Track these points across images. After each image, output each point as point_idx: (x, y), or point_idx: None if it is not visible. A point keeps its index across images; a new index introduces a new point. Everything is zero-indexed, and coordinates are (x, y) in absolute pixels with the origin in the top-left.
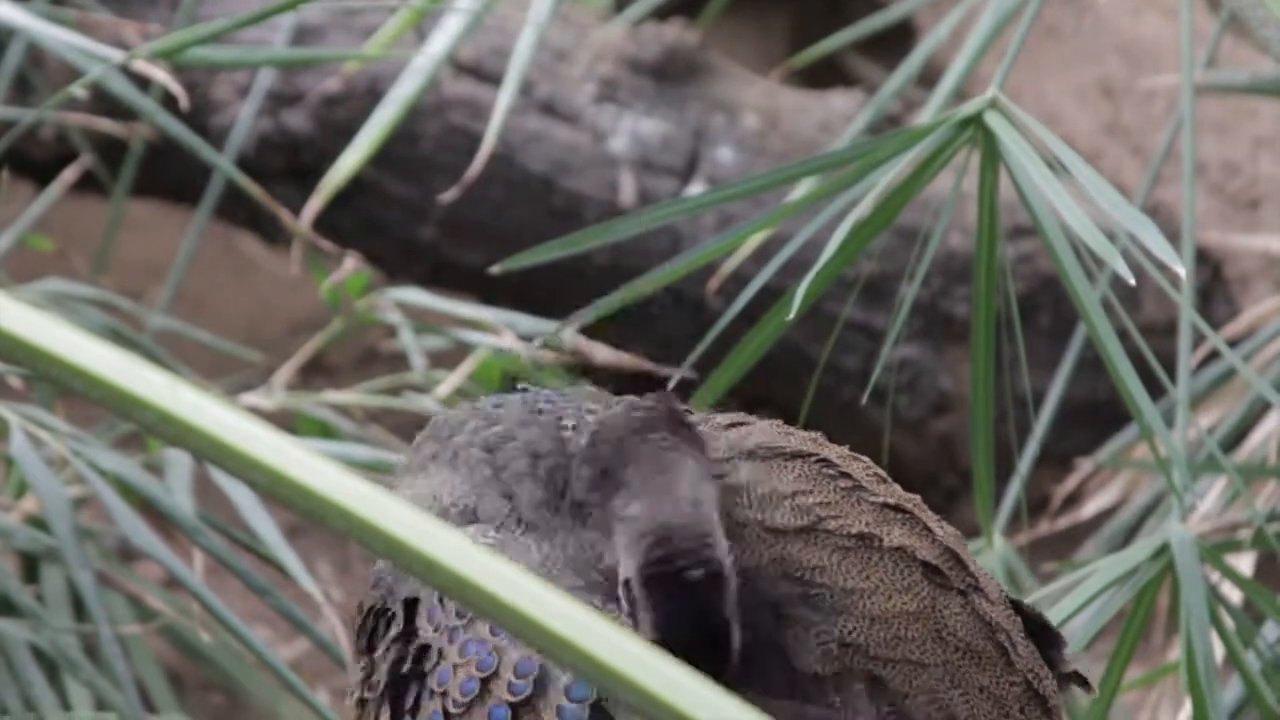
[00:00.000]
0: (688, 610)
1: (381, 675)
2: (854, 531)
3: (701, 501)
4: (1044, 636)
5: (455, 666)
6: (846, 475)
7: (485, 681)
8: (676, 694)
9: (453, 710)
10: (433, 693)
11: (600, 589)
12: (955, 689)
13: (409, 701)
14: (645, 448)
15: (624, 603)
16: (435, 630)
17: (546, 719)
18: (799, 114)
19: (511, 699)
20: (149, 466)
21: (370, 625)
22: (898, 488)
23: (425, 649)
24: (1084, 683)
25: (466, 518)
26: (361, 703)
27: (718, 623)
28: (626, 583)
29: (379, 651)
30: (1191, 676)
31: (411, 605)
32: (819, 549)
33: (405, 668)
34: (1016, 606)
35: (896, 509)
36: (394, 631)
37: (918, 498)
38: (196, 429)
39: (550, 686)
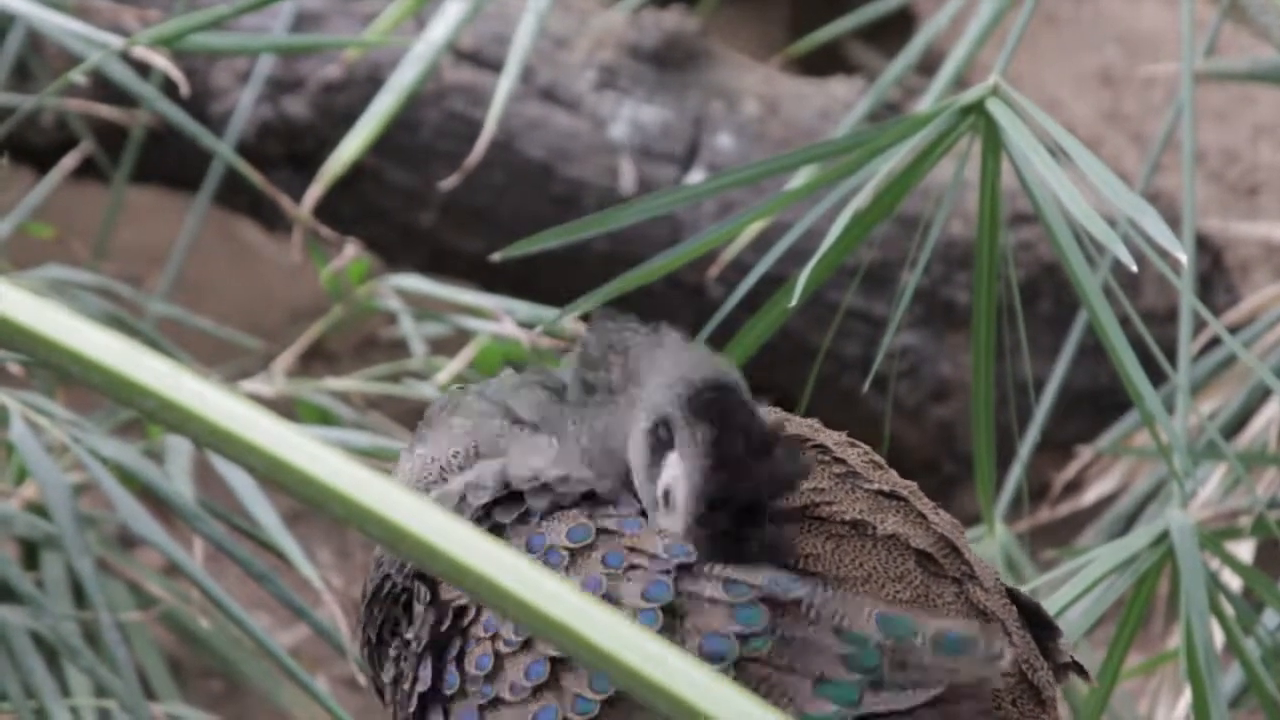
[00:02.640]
0: (733, 428)
1: (423, 635)
2: (847, 519)
3: (713, 355)
4: (1041, 626)
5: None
6: (841, 461)
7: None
8: (690, 688)
9: (505, 650)
10: (479, 639)
11: (611, 478)
12: None
13: (453, 653)
14: (643, 341)
15: (650, 450)
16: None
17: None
18: (799, 101)
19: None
20: (149, 453)
21: (382, 613)
22: (894, 474)
23: (463, 608)
24: (1082, 672)
25: (469, 459)
26: (395, 681)
27: (759, 437)
28: (663, 423)
29: (413, 626)
30: (1191, 664)
31: (432, 580)
32: (812, 536)
33: (444, 626)
34: (1013, 596)
35: (891, 496)
36: (422, 603)
37: (914, 484)
38: (197, 415)
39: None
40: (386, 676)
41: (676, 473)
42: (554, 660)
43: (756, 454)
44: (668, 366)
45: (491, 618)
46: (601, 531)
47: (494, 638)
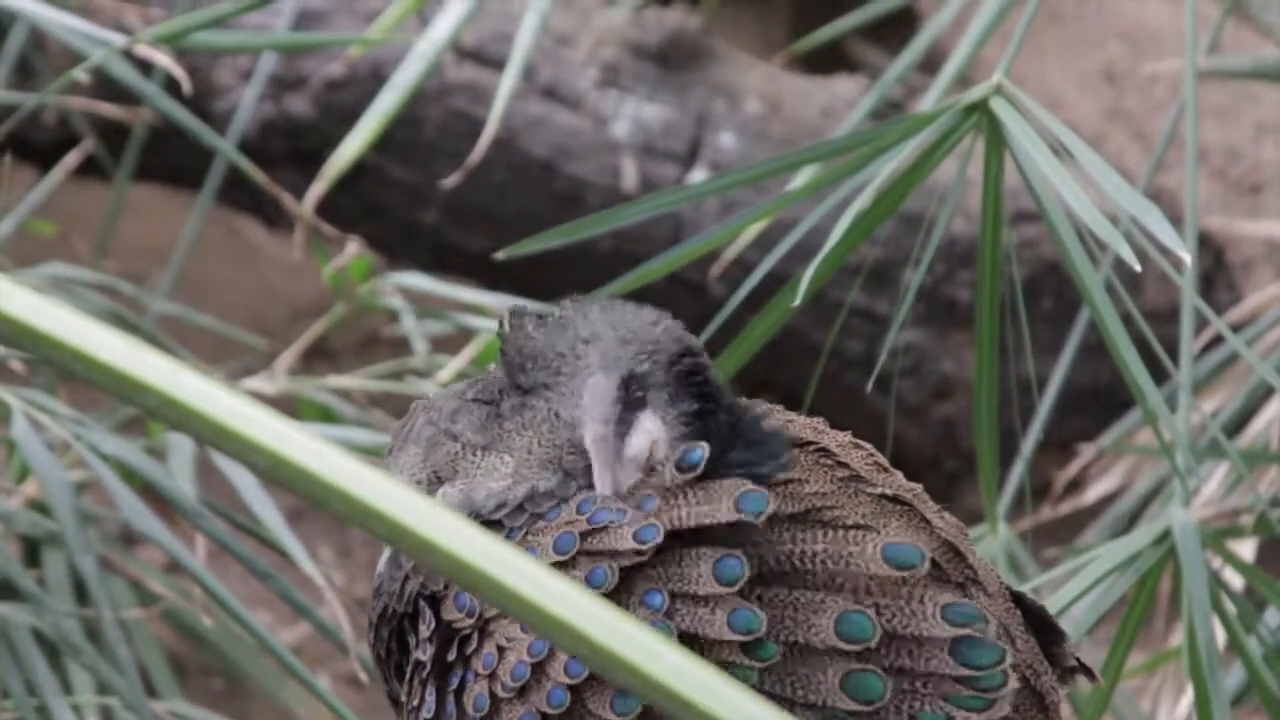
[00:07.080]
0: (716, 403)
1: (427, 661)
2: (850, 524)
3: (654, 314)
4: (1045, 630)
5: (500, 649)
6: (845, 465)
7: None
8: (694, 689)
9: (502, 694)
10: (478, 675)
11: (578, 472)
12: None
13: (454, 683)
14: (554, 324)
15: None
16: (469, 616)
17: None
18: (801, 99)
19: (569, 680)
20: (151, 451)
21: (390, 631)
22: (899, 477)
23: (466, 638)
24: (1089, 674)
25: (432, 485)
26: (408, 697)
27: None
28: (634, 379)
29: (419, 649)
30: (1193, 662)
31: (434, 600)
32: (814, 541)
33: (450, 655)
34: (1018, 600)
35: (895, 500)
36: (427, 627)
37: (919, 487)
38: (199, 413)
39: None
40: (402, 694)
41: (658, 436)
42: (544, 715)
43: (738, 441)
44: (612, 323)
45: (490, 654)
46: (585, 535)
47: (491, 677)
